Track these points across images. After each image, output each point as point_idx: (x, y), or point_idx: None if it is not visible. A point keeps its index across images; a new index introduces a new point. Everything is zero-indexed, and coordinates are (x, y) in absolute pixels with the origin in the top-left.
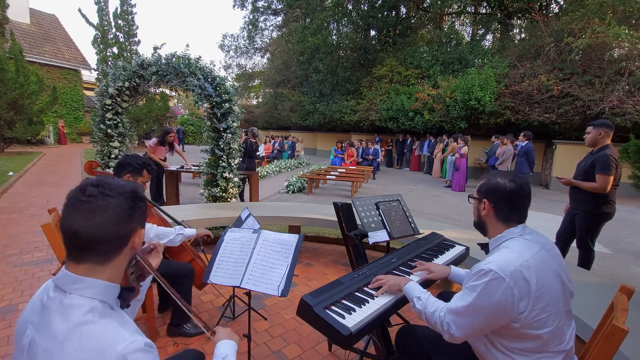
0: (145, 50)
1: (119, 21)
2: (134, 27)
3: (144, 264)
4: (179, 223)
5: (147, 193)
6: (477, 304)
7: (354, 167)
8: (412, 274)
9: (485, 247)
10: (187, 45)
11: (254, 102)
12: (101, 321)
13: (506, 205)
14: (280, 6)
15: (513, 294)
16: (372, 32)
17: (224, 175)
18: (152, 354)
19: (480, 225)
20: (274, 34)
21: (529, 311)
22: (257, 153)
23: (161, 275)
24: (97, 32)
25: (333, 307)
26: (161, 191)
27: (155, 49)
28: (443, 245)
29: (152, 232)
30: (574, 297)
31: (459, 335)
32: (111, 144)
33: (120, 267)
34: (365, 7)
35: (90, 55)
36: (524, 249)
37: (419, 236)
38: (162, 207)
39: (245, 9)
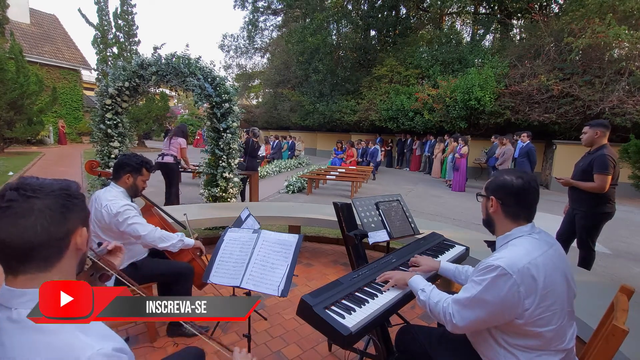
0: (145, 50)
1: (119, 21)
2: (134, 27)
3: (102, 265)
4: (179, 223)
5: (152, 194)
6: (482, 298)
7: (354, 167)
8: (408, 269)
9: (492, 245)
10: (187, 45)
11: (254, 102)
12: (59, 331)
13: (514, 202)
14: (280, 6)
15: (519, 290)
16: (372, 32)
17: (224, 175)
18: (121, 359)
19: (488, 223)
20: (274, 34)
21: (534, 308)
22: (260, 153)
23: (153, 275)
24: (97, 32)
25: (333, 307)
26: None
27: (155, 49)
28: (443, 245)
29: (156, 233)
30: (576, 297)
31: (461, 325)
32: (111, 144)
33: (68, 270)
34: (365, 7)
35: (90, 55)
36: (532, 247)
37: (419, 236)
38: (163, 207)
39: (245, 9)
